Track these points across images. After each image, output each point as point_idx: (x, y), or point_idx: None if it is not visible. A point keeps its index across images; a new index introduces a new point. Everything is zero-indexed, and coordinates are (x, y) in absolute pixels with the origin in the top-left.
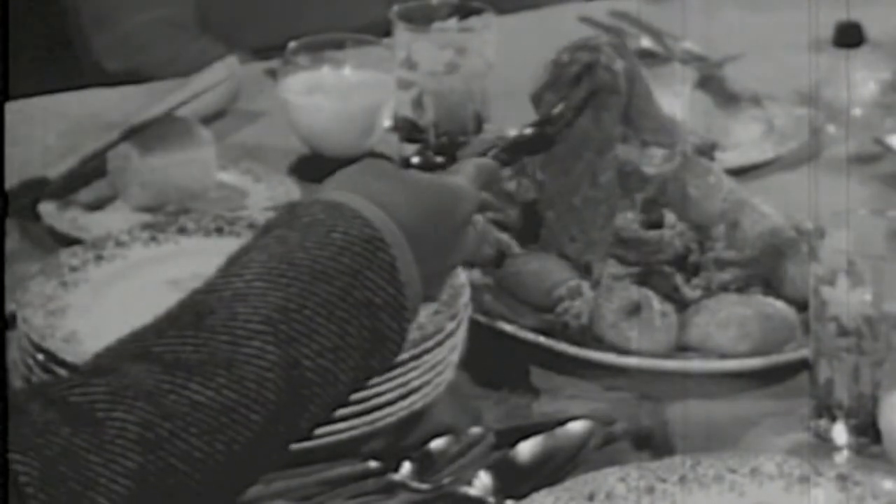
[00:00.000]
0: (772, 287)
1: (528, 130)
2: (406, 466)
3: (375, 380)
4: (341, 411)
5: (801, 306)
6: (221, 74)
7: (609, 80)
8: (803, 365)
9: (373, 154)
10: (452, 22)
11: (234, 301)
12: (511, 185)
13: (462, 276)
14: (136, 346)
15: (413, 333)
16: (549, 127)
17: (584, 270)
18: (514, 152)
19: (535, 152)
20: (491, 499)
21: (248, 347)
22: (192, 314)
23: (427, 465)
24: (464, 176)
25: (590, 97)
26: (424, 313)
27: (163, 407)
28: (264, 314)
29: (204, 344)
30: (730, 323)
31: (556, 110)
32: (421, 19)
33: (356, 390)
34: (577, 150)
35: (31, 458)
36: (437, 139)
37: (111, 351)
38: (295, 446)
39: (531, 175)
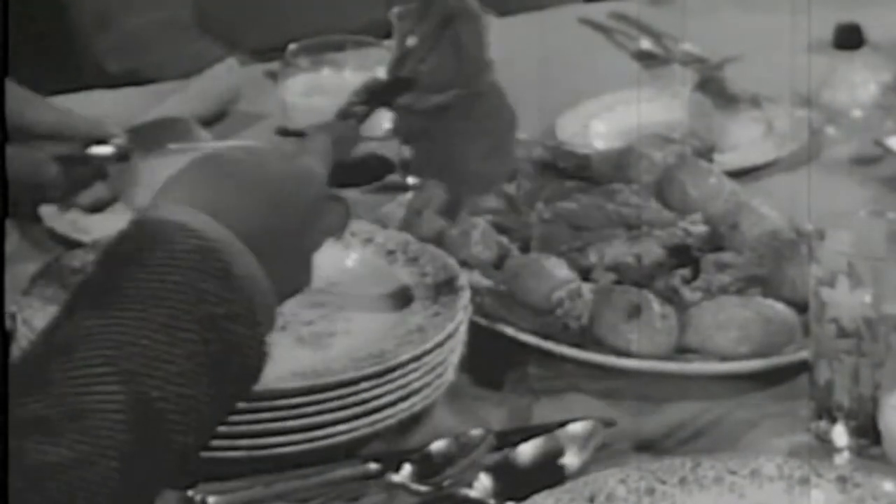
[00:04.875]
0: (772, 289)
1: (380, 76)
2: (406, 468)
3: (375, 381)
4: (341, 413)
5: (801, 308)
6: (221, 76)
7: (457, 3)
8: (803, 366)
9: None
10: None
11: (69, 346)
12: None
13: (462, 279)
14: None
15: (413, 335)
16: (403, 66)
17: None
18: (370, 102)
19: (394, 97)
20: (491, 500)
21: (92, 394)
22: (31, 370)
23: (427, 466)
24: (313, 150)
25: (443, 26)
26: (423, 315)
27: (17, 471)
28: (102, 354)
29: (48, 400)
30: (730, 325)
31: (405, 46)
32: None
33: (232, 407)
34: (440, 87)
35: None
36: None
37: None
38: (294, 447)
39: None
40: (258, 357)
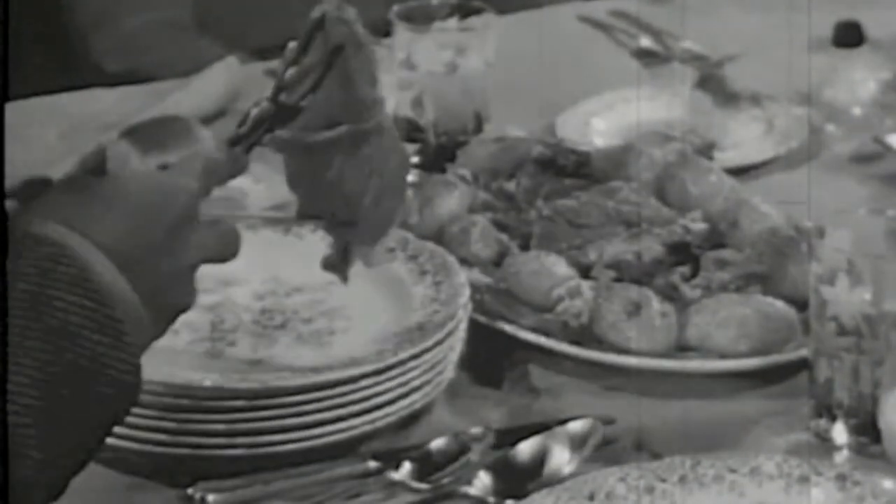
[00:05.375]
0: (771, 286)
1: (264, 104)
2: (406, 466)
3: (375, 379)
4: (340, 411)
5: (801, 306)
6: (221, 74)
7: (345, 32)
8: (803, 364)
9: None
10: (452, 22)
11: None
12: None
13: (461, 276)
14: None
15: (412, 333)
16: (287, 95)
17: None
18: (253, 131)
19: (276, 126)
20: (491, 499)
21: None
22: None
23: (427, 464)
24: (185, 169)
25: (331, 57)
26: (422, 312)
27: None
28: None
29: None
30: (729, 322)
31: (289, 75)
32: (421, 19)
33: (104, 423)
34: (326, 118)
35: None
36: (436, 139)
37: None
38: (293, 445)
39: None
40: (127, 370)
